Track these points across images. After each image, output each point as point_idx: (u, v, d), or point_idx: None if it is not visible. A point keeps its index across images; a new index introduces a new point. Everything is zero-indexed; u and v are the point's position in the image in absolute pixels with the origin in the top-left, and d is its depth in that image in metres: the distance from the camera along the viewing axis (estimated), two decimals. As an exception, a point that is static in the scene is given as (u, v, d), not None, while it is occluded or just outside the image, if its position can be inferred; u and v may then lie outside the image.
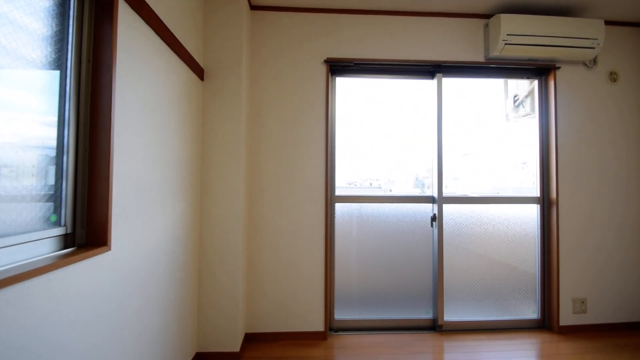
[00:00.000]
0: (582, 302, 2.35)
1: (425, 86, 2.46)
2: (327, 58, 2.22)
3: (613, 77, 2.43)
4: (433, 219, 2.35)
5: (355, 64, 2.24)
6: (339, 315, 2.31)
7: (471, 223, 2.40)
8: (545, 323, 2.39)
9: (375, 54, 2.28)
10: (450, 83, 2.45)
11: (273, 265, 2.19)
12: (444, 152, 2.37)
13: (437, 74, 2.35)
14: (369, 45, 2.29)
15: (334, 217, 2.31)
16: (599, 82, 2.42)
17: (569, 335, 2.28)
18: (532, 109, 2.72)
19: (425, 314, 2.37)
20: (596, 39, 2.20)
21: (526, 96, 2.75)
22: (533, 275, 2.44)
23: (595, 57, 2.40)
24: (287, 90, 2.23)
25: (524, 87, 2.79)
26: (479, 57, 2.33)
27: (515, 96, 2.88)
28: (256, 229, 2.19)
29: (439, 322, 2.30)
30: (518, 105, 2.88)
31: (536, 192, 2.47)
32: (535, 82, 2.53)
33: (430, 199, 2.38)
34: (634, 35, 2.47)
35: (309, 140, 2.23)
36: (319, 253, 2.22)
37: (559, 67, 2.36)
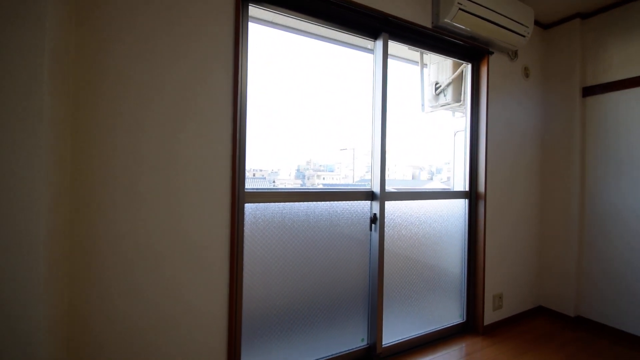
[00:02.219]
0: (500, 298, 2.32)
1: (349, 57, 1.90)
2: (238, -36, 1.34)
3: (526, 72, 2.47)
4: (373, 220, 1.84)
5: (282, -14, 1.45)
6: (249, 372, 1.52)
7: (409, 223, 2.01)
8: (471, 325, 2.25)
9: (309, -17, 1.54)
10: (356, 58, 2.01)
11: (128, 325, 1.20)
12: (380, 146, 1.87)
13: (383, 34, 1.81)
14: (300, -30, 1.53)
15: (243, 224, 1.48)
16: (516, 76, 2.42)
17: (492, 335, 2.19)
18: (454, 99, 2.56)
19: (361, 342, 1.85)
20: (527, 28, 2.12)
21: (448, 84, 2.57)
22: (460, 276, 2.27)
23: (517, 50, 2.37)
24: (168, 15, 1.25)
25: (446, 73, 2.60)
26: (426, 22, 1.92)
27: (436, 83, 2.68)
28: (93, 255, 1.15)
29: (378, 350, 1.82)
30: (439, 94, 2.70)
31: (464, 186, 2.30)
32: (467, 68, 2.33)
33: (369, 195, 1.86)
34: (541, 36, 2.58)
35: (206, 101, 1.32)
36: (220, 293, 1.36)
37: (492, 53, 2.21)
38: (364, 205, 1.85)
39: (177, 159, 1.27)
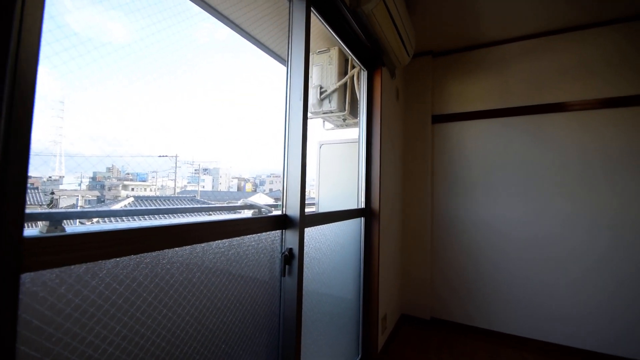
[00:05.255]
0: (385, 319, 2.23)
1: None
2: None
3: (397, 94, 2.60)
4: (287, 259, 1.23)
5: None
6: None
7: (322, 255, 1.53)
8: (368, 357, 2.02)
9: None
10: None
11: None
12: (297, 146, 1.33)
13: (305, -7, 1.29)
14: None
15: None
16: (393, 95, 2.49)
17: (384, 363, 2.03)
18: (339, 107, 2.37)
19: None
20: (412, 48, 2.18)
21: (334, 90, 2.36)
22: (357, 306, 2.00)
23: (395, 69, 2.44)
24: None
25: (331, 79, 2.39)
26: (347, 2, 1.56)
27: (321, 87, 2.42)
28: None
29: None
30: (324, 99, 2.44)
31: (358, 204, 2.08)
32: (363, 74, 2.17)
33: (280, 222, 1.24)
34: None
35: None
36: None
37: (385, 65, 2.14)
38: (273, 238, 1.22)
39: None
